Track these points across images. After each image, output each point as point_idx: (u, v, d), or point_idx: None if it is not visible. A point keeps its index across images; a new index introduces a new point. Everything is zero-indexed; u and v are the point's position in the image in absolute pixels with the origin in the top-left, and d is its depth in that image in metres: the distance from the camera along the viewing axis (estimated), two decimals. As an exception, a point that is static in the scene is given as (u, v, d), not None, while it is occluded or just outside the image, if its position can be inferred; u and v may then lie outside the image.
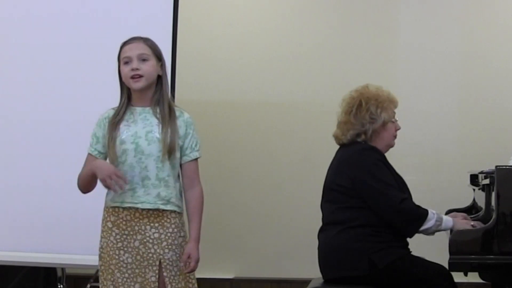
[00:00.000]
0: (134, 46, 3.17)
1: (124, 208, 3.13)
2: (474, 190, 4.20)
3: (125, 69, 3.15)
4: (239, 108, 5.50)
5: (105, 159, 3.19)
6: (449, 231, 3.54)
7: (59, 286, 4.62)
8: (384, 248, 3.47)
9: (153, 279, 3.10)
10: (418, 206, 3.52)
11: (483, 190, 3.82)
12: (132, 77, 3.13)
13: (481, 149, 5.17)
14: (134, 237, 3.12)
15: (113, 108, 3.23)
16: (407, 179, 3.68)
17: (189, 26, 5.10)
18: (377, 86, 3.70)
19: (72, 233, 4.20)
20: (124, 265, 3.11)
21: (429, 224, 3.49)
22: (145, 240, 3.12)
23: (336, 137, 3.72)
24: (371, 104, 3.63)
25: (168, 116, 3.15)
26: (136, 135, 3.14)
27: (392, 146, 3.72)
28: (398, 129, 3.71)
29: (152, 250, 3.12)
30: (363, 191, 3.53)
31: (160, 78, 3.21)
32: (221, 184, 5.45)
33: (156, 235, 3.12)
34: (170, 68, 4.23)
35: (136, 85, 3.15)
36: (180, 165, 3.22)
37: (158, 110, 3.17)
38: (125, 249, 3.12)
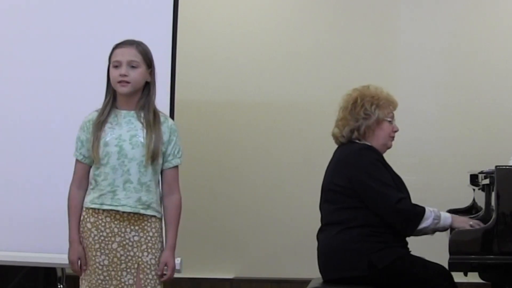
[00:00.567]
0: (125, 51, 3.18)
1: (104, 210, 3.14)
2: (474, 190, 4.20)
3: (114, 73, 3.17)
4: (239, 108, 5.50)
5: (91, 162, 3.19)
6: (448, 231, 3.55)
7: (59, 286, 4.62)
8: (384, 248, 3.47)
9: (130, 281, 3.11)
10: (415, 205, 3.52)
11: (483, 190, 3.82)
12: (119, 82, 3.15)
13: (481, 149, 5.17)
14: (113, 239, 3.12)
15: (96, 110, 3.24)
16: (407, 179, 3.68)
17: (189, 26, 5.10)
18: (378, 87, 3.70)
19: (72, 233, 4.20)
20: (100, 267, 3.12)
21: (426, 222, 3.49)
22: (124, 243, 3.13)
23: (334, 136, 3.73)
24: (366, 100, 3.64)
25: (152, 122, 3.17)
26: (120, 138, 3.15)
27: (389, 147, 3.71)
28: (396, 131, 3.70)
29: (132, 253, 3.13)
30: (361, 191, 3.53)
31: (148, 84, 3.22)
32: (221, 184, 5.45)
33: (136, 238, 3.14)
34: (170, 68, 4.24)
35: (121, 89, 3.16)
36: (161, 171, 3.23)
37: (142, 115, 3.19)
38: (102, 250, 3.12)
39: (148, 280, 3.13)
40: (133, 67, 3.16)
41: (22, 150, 4.30)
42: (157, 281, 3.16)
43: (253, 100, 5.50)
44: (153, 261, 3.14)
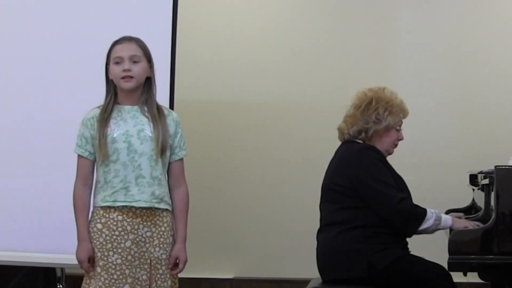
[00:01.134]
0: (126, 46, 3.18)
1: (115, 208, 3.13)
2: (473, 190, 4.20)
3: (116, 69, 3.16)
4: (239, 108, 5.50)
5: (95, 159, 3.19)
6: (448, 231, 3.55)
7: (58, 286, 4.62)
8: (383, 249, 3.47)
9: (144, 277, 3.12)
10: (417, 206, 3.52)
11: (482, 190, 3.82)
12: (123, 77, 3.15)
13: (480, 149, 5.17)
14: (126, 237, 3.11)
15: (97, 107, 3.23)
16: (406, 179, 3.68)
17: (189, 26, 5.11)
18: (393, 92, 3.69)
19: (71, 233, 4.15)
20: (113, 266, 3.10)
21: (428, 223, 3.49)
22: (137, 240, 3.12)
23: (340, 130, 3.71)
24: (381, 105, 3.62)
25: (158, 115, 3.18)
26: (128, 133, 3.14)
27: (390, 153, 3.70)
28: (401, 139, 3.70)
29: (144, 249, 3.13)
30: (362, 191, 3.53)
31: (148, 79, 3.23)
32: (221, 184, 5.45)
33: (149, 233, 3.14)
34: (170, 68, 4.24)
35: (126, 85, 3.16)
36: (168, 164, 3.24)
37: (146, 109, 3.19)
38: (115, 250, 3.11)
39: (159, 275, 3.14)
40: (135, 62, 3.16)
41: (22, 150, 4.30)
42: (168, 276, 3.16)
43: (253, 100, 5.50)
44: (164, 256, 3.14)
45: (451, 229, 3.51)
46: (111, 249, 3.11)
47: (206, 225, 5.40)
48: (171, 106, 4.20)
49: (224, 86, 5.51)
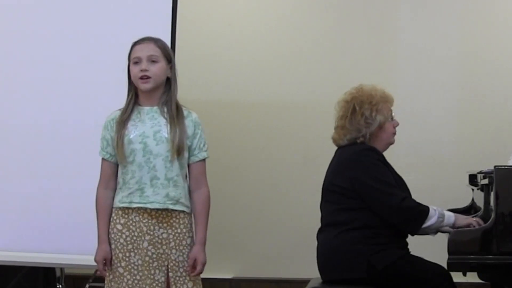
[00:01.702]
0: (144, 46, 3.18)
1: (133, 209, 3.12)
2: (473, 190, 4.20)
3: (134, 70, 3.16)
4: (239, 108, 5.50)
5: (117, 161, 3.18)
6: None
7: (58, 286, 4.62)
8: (383, 249, 3.47)
9: (162, 279, 3.11)
10: (419, 204, 3.51)
11: (482, 190, 3.82)
12: (141, 78, 3.14)
13: (480, 149, 5.17)
14: (143, 238, 3.11)
15: (119, 109, 3.23)
16: (406, 179, 3.68)
17: (188, 26, 5.11)
18: (371, 85, 3.67)
19: (71, 233, 4.21)
20: (136, 267, 3.11)
21: (431, 221, 3.48)
22: (154, 241, 3.12)
23: (334, 140, 3.72)
24: (365, 108, 3.61)
25: (176, 116, 3.16)
26: (144, 134, 3.14)
27: (392, 143, 3.71)
28: (397, 125, 3.70)
29: (161, 251, 3.12)
30: (363, 192, 3.52)
31: (169, 80, 3.21)
32: (221, 184, 5.44)
33: (165, 235, 3.13)
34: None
35: (144, 86, 3.15)
36: (188, 165, 3.22)
37: (165, 110, 3.18)
38: (135, 250, 3.11)
39: (177, 278, 3.13)
40: (153, 61, 3.15)
41: (22, 151, 4.31)
42: (187, 278, 3.15)
43: (253, 100, 5.50)
44: (180, 258, 3.14)
45: (453, 226, 3.51)
46: (132, 250, 3.11)
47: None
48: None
49: (224, 86, 5.51)
